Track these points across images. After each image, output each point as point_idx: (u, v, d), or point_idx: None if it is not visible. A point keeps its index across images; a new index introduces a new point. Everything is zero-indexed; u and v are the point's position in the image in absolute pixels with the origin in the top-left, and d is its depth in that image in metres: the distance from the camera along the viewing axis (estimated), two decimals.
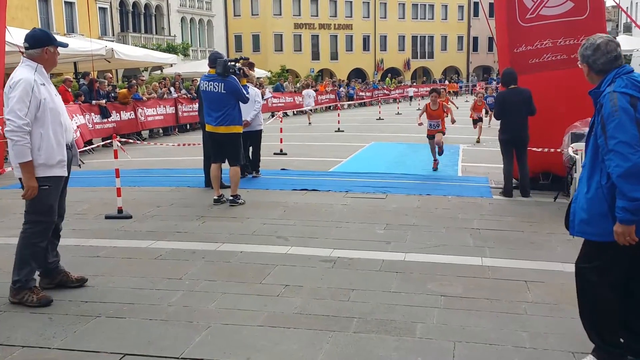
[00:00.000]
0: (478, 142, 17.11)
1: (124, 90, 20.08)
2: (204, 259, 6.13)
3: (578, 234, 3.69)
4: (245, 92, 9.04)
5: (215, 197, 9.07)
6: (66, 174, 5.13)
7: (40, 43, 5.00)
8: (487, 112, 19.46)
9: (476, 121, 18.11)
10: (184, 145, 14.89)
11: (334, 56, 66.37)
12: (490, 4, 12.10)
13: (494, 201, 9.07)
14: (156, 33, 46.96)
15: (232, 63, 9.04)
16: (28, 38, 5.03)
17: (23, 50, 5.06)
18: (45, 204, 4.98)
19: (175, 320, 4.59)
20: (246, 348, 4.13)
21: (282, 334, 4.34)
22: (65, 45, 5.26)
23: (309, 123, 25.86)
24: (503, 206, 8.71)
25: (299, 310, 4.78)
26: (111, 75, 20.95)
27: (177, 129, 22.77)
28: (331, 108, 36.01)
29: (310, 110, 28.99)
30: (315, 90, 36.01)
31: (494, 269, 5.77)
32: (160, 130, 21.94)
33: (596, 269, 3.68)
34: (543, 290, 5.20)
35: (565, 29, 9.28)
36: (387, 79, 56.20)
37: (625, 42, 28.60)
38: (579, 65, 3.80)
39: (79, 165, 5.78)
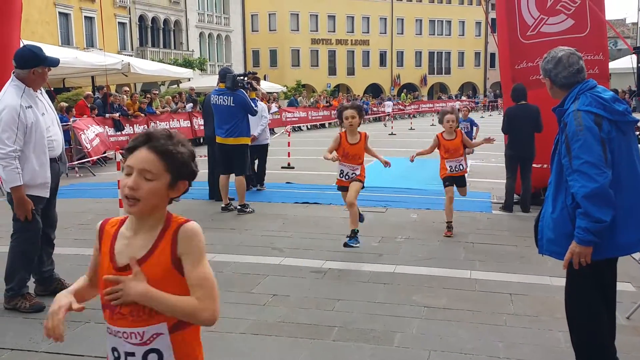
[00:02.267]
0: None
1: (128, 101, 20.36)
2: None
3: (546, 252, 3.67)
4: (254, 105, 9.39)
5: (223, 206, 9.47)
6: (47, 196, 5.24)
7: (28, 64, 5.01)
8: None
9: None
10: (201, 157, 15.09)
11: (351, 71, 66.69)
12: (493, 20, 12.33)
13: (493, 216, 9.13)
14: (174, 48, 47.57)
15: (241, 77, 9.42)
16: (17, 57, 5.07)
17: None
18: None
19: None
20: (226, 354, 4.26)
21: (262, 342, 4.47)
22: (55, 64, 5.23)
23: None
24: (501, 221, 8.77)
25: (282, 319, 4.89)
26: (127, 89, 21.26)
27: (190, 143, 23.00)
28: None
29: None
30: (329, 105, 36.30)
31: (481, 282, 5.85)
32: None
33: (577, 296, 3.63)
34: (526, 302, 5.28)
35: (566, 46, 9.33)
36: (402, 94, 56.34)
37: None
38: (542, 79, 3.78)
39: (66, 175, 5.93)
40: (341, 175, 7.13)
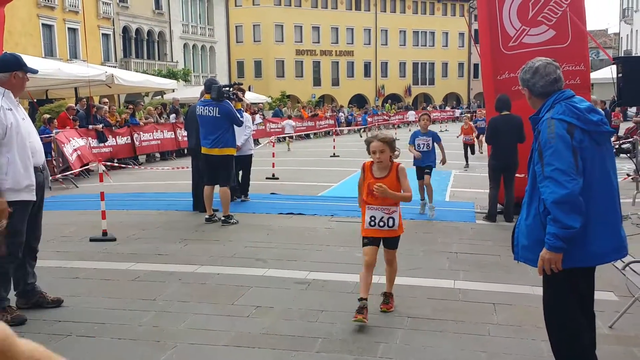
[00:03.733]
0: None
1: (108, 114, 20.22)
2: (181, 280, 6.23)
3: (522, 259, 3.68)
4: (239, 116, 9.39)
5: (207, 217, 9.40)
6: (34, 199, 5.18)
7: (9, 67, 5.07)
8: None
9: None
10: (178, 168, 15.06)
11: (335, 82, 66.88)
12: (475, 31, 12.38)
13: (477, 226, 9.16)
14: (158, 59, 47.45)
15: (227, 88, 9.45)
16: None
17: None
18: (12, 227, 5.06)
19: (143, 340, 4.68)
20: None
21: (245, 354, 4.44)
22: (35, 72, 5.32)
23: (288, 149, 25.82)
24: (484, 231, 8.80)
25: (266, 331, 4.87)
26: (107, 100, 21.18)
27: (174, 154, 22.96)
28: (330, 133, 36.25)
29: (291, 137, 29.05)
30: (315, 116, 36.38)
31: (465, 292, 5.86)
32: (158, 155, 22.13)
33: (560, 301, 3.61)
34: (509, 312, 5.29)
35: (548, 56, 9.27)
36: (387, 104, 56.59)
37: None
38: (520, 89, 3.82)
39: (50, 188, 5.87)
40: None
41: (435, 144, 10.18)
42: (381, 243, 5.25)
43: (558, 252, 3.36)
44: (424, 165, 10.03)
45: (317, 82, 65.65)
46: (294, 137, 31.43)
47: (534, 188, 3.56)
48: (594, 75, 19.26)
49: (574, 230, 3.30)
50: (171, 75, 39.18)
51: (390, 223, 5.12)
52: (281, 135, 29.31)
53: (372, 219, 5.12)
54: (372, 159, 5.21)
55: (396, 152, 5.24)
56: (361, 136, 33.58)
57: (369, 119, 43.59)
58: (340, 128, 35.92)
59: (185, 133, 22.57)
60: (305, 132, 35.51)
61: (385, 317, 5.16)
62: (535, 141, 3.56)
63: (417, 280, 6.25)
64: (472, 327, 4.94)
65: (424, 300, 5.62)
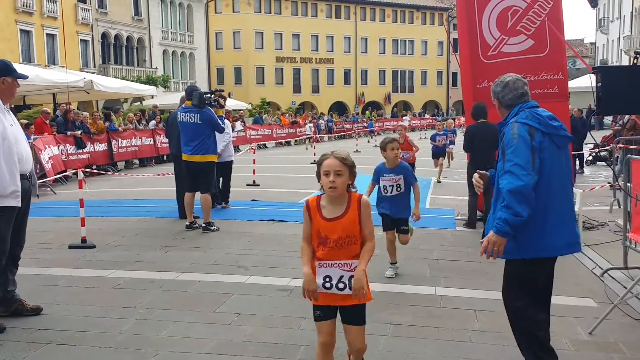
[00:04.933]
0: (439, 181, 16.04)
1: (90, 121, 20.07)
2: (161, 288, 6.18)
3: (486, 251, 3.89)
4: (220, 123, 9.39)
5: (188, 224, 9.36)
6: (20, 205, 5.14)
7: None
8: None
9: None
10: (159, 175, 14.96)
11: (316, 89, 67.02)
12: (455, 39, 12.49)
13: (457, 232, 9.22)
14: (138, 65, 47.19)
15: (208, 95, 9.42)
16: None
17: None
18: None
19: (123, 348, 4.64)
20: None
21: None
22: (24, 77, 5.34)
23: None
24: (465, 237, 8.85)
25: (248, 338, 4.85)
26: (84, 107, 21.03)
27: (154, 160, 22.83)
28: (311, 140, 36.31)
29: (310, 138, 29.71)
30: (294, 123, 36.45)
31: (446, 298, 5.89)
32: (137, 161, 21.99)
33: (517, 292, 3.94)
34: (490, 318, 5.32)
35: (526, 65, 9.53)
36: (367, 112, 56.81)
37: None
38: (492, 100, 4.18)
39: (37, 196, 5.81)
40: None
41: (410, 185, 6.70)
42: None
43: (504, 236, 3.71)
44: (396, 218, 6.73)
45: (297, 89, 65.72)
46: (275, 144, 31.53)
47: (499, 184, 3.87)
48: (571, 84, 19.52)
49: (522, 219, 3.64)
50: (150, 81, 38.98)
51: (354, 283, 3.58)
52: (302, 137, 29.63)
53: (327, 279, 3.66)
54: (318, 193, 3.81)
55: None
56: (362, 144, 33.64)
57: (347, 126, 43.76)
58: (320, 135, 35.95)
59: (165, 140, 22.69)
60: (286, 139, 35.53)
61: (367, 324, 5.14)
62: (500, 142, 3.94)
63: (398, 287, 6.27)
64: (454, 333, 4.97)
65: (405, 307, 5.63)
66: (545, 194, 3.74)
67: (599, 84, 5.71)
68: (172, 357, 4.50)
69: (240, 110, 36.71)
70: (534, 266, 3.86)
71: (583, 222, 8.94)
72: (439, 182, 15.81)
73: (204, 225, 9.18)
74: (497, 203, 3.85)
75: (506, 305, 4.05)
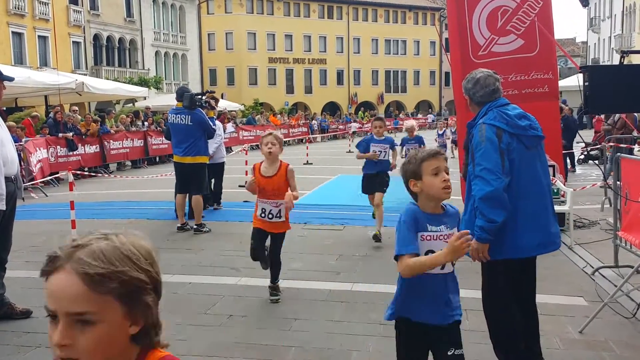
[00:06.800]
0: None
1: (82, 122, 20.02)
2: None
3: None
4: (212, 124, 9.39)
5: (179, 225, 9.32)
6: (4, 208, 5.12)
7: None
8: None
9: None
10: (156, 176, 14.93)
11: (308, 90, 67.03)
12: (446, 39, 12.52)
13: None
14: (130, 67, 47.10)
15: (199, 96, 9.43)
16: None
17: None
18: None
19: None
20: None
21: None
22: (11, 79, 5.32)
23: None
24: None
25: (239, 340, 4.84)
26: (76, 108, 20.93)
27: (146, 162, 22.77)
28: (303, 141, 36.32)
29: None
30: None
31: None
32: (129, 163, 21.94)
33: (492, 292, 4.00)
34: (481, 318, 5.28)
35: (516, 65, 9.57)
36: (360, 112, 56.88)
37: None
38: (464, 96, 4.12)
39: (22, 199, 5.79)
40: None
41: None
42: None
43: (484, 242, 3.73)
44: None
45: (290, 89, 65.73)
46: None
47: (470, 186, 3.90)
48: (562, 83, 19.56)
49: (497, 224, 3.65)
50: (143, 83, 38.91)
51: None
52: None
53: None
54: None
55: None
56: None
57: (340, 126, 43.76)
58: (313, 135, 35.98)
59: (155, 141, 22.64)
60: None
61: (358, 325, 5.17)
62: (469, 144, 3.91)
63: (390, 287, 6.24)
64: None
65: None
66: (514, 195, 3.73)
67: (586, 83, 5.74)
68: None
69: (232, 111, 36.69)
70: (507, 267, 3.88)
71: (574, 220, 8.97)
72: None
73: (195, 226, 9.18)
74: (468, 203, 3.88)
75: (483, 306, 4.13)
